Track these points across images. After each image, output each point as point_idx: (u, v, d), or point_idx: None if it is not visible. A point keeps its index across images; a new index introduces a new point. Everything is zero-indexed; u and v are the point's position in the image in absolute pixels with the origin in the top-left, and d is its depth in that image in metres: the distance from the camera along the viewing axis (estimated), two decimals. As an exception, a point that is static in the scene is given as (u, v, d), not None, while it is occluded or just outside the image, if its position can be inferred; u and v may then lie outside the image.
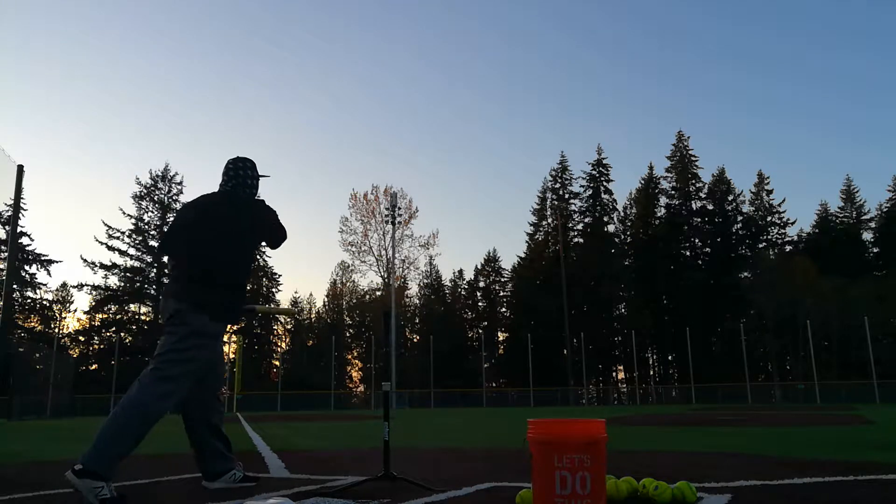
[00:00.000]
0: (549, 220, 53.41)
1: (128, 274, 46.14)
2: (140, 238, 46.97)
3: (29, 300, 44.83)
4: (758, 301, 43.01)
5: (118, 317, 45.76)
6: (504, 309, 56.32)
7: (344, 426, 11.66)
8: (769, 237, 52.34)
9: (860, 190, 53.56)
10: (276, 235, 3.54)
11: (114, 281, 45.81)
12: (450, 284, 57.79)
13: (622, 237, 54.60)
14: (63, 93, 72.79)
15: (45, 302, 46.21)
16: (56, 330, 44.50)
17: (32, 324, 45.24)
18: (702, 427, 9.28)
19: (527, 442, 2.24)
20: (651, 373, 51.43)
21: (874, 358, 31.77)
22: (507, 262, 62.90)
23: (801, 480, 3.17)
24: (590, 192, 54.00)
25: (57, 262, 44.75)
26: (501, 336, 54.75)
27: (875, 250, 50.95)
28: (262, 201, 3.57)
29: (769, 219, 52.60)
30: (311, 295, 64.61)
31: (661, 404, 36.74)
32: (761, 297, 42.41)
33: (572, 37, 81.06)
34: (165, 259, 3.25)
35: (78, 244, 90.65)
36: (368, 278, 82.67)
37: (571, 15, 79.76)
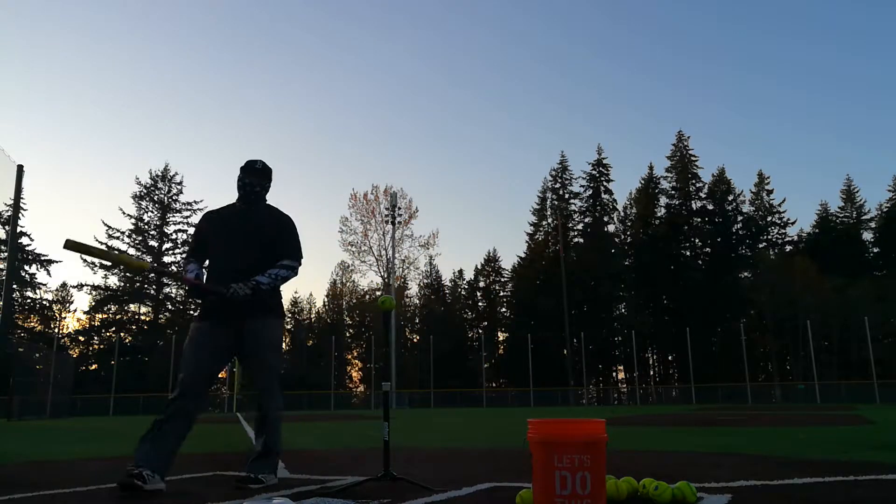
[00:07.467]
0: (549, 220, 53.35)
1: (128, 274, 46.09)
2: (140, 238, 46.96)
3: (29, 300, 44.80)
4: (758, 301, 42.99)
5: (118, 317, 45.72)
6: (504, 309, 56.26)
7: (344, 426, 11.65)
8: (769, 237, 52.31)
9: (860, 190, 53.51)
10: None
11: (114, 281, 45.83)
12: (450, 284, 57.79)
13: (622, 237, 54.56)
14: (63, 93, 72.86)
15: (45, 302, 46.20)
16: (56, 330, 44.47)
17: (32, 324, 45.21)
18: (702, 427, 9.27)
19: (527, 442, 2.24)
20: (651, 373, 51.40)
21: (874, 358, 31.78)
22: (507, 262, 62.76)
23: (801, 480, 3.17)
24: (590, 192, 53.98)
25: (57, 262, 44.77)
26: (501, 336, 54.68)
27: (875, 250, 50.89)
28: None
29: (769, 219, 52.57)
30: (311, 295, 64.47)
31: (661, 404, 36.71)
32: (761, 297, 42.39)
33: (572, 37, 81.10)
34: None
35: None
36: (368, 278, 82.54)
37: (571, 15, 79.80)
